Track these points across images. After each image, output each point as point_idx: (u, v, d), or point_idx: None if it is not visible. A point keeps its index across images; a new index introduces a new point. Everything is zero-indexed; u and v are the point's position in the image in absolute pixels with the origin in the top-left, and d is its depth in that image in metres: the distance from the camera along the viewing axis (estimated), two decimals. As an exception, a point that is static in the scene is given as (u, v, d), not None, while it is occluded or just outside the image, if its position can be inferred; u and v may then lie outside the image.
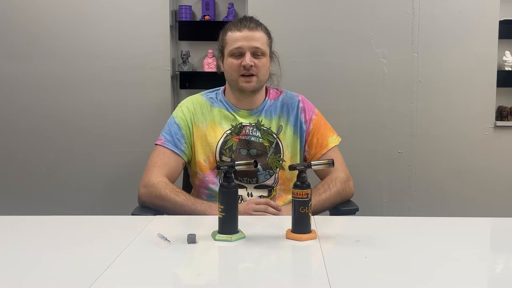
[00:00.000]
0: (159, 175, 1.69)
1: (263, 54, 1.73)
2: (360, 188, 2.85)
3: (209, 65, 2.96)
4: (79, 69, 2.85)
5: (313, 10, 2.82)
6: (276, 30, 2.81)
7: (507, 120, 2.90)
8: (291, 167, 1.34)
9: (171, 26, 2.90)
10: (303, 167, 1.34)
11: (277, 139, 1.79)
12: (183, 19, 2.94)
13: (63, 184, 2.90)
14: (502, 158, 2.90)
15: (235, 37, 1.72)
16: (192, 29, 2.99)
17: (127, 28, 2.84)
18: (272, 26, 1.65)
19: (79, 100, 2.87)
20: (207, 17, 2.94)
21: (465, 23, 2.80)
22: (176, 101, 2.97)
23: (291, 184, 1.79)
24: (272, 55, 1.80)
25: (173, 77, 2.93)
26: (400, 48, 2.82)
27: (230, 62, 1.73)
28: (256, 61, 1.71)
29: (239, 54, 1.71)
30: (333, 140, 1.82)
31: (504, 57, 2.94)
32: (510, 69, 2.95)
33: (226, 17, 2.95)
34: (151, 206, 1.67)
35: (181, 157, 1.76)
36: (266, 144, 1.78)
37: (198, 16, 2.99)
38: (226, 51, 1.75)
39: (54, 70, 2.85)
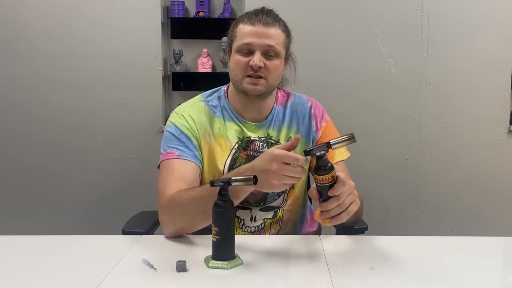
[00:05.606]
0: (175, 190, 1.41)
1: (276, 55, 1.50)
2: (365, 196, 2.74)
3: (203, 65, 2.89)
4: (63, 69, 2.79)
5: (315, 7, 2.76)
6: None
7: (522, 125, 2.86)
8: (307, 152, 1.17)
9: (162, 23, 2.85)
10: (323, 152, 1.16)
11: None
12: (176, 16, 2.90)
13: (49, 191, 2.84)
14: (516, 164, 2.88)
15: (246, 31, 1.49)
16: (185, 27, 2.95)
17: (115, 25, 2.78)
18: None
19: (64, 102, 2.81)
20: (201, 14, 2.89)
21: (478, 20, 2.77)
22: (168, 104, 2.94)
23: (301, 203, 1.63)
24: (288, 57, 1.58)
25: (164, 78, 2.89)
26: (408, 47, 2.79)
27: (237, 59, 1.50)
28: (267, 62, 1.48)
29: (248, 51, 1.49)
30: (341, 153, 1.62)
31: (518, 57, 2.91)
32: (524, 70, 2.87)
33: (221, 13, 2.90)
34: (181, 230, 1.39)
35: (200, 167, 1.52)
36: None
37: (192, 13, 2.96)
38: (234, 46, 1.52)
39: (39, 69, 2.80)
